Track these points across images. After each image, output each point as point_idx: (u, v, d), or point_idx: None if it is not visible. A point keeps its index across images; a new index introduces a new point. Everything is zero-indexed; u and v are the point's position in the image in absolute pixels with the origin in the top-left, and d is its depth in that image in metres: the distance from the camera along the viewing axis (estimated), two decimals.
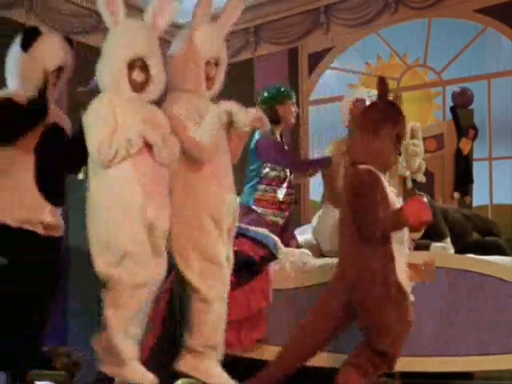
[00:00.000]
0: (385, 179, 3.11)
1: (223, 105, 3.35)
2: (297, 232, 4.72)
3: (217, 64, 3.48)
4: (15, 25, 6.96)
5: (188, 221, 3.39)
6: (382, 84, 3.23)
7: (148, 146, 3.23)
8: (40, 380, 3.16)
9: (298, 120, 6.82)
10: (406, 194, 5.41)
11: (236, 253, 3.63)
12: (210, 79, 3.47)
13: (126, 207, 3.18)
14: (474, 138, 6.49)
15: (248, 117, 3.37)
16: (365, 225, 2.96)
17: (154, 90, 3.34)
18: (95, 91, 3.41)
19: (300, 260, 3.91)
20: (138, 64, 3.25)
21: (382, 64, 8.22)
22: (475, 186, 6.52)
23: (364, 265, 2.99)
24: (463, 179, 6.40)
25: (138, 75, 3.25)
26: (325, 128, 8.11)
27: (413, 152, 6.02)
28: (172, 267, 3.97)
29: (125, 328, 3.15)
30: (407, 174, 6.42)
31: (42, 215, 3.34)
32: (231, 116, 3.33)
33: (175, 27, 8.63)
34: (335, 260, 3.99)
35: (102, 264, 3.17)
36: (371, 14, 7.77)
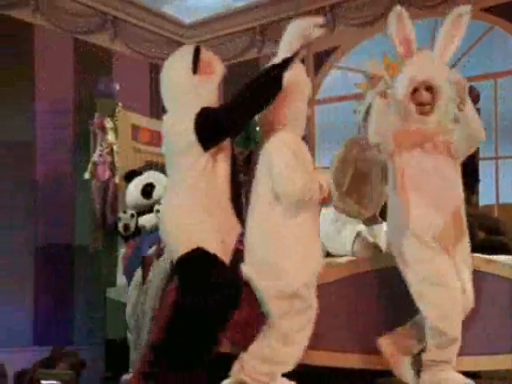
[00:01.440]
0: None
1: None
2: None
3: None
4: (21, 24, 6.99)
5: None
6: None
7: None
8: (46, 379, 3.18)
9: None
10: None
11: (237, 252, 3.63)
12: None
13: (307, 257, 3.25)
14: None
15: None
16: None
17: None
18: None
19: None
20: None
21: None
22: (481, 185, 6.49)
23: None
24: (469, 178, 6.37)
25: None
26: (331, 127, 8.10)
27: None
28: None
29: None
30: None
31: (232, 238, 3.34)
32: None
33: (181, 26, 8.67)
34: (339, 260, 3.99)
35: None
36: (378, 13, 7.76)
